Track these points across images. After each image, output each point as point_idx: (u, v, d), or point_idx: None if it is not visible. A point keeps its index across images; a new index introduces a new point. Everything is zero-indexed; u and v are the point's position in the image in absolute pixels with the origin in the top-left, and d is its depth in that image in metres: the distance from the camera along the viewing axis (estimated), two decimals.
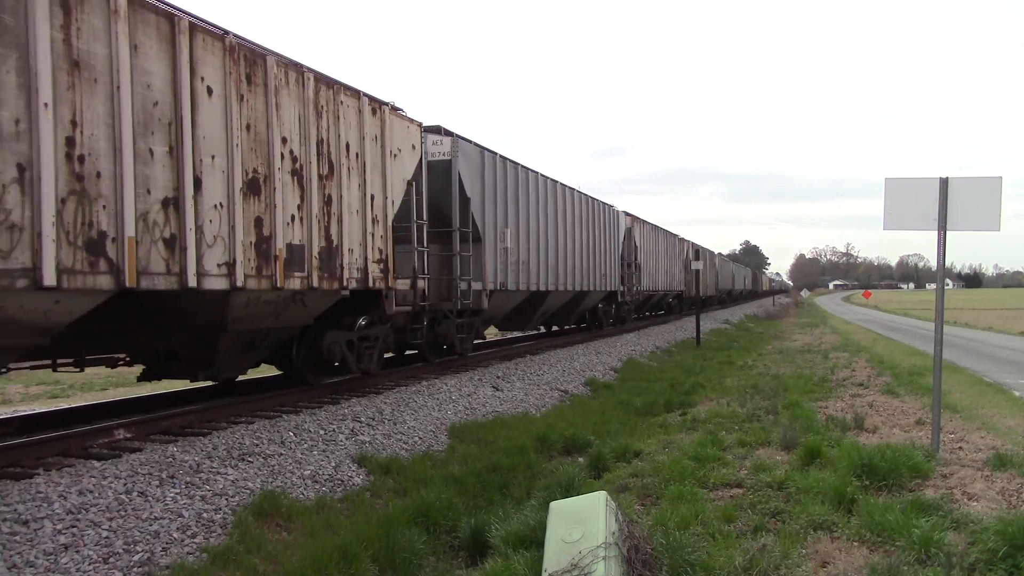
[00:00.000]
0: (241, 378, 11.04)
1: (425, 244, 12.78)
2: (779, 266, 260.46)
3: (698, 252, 37.21)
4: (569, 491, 6.86)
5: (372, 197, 10.98)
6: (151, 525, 5.84)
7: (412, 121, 12.38)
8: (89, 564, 5.18)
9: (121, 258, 6.85)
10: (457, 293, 14.10)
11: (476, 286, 14.75)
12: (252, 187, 8.55)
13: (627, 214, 30.01)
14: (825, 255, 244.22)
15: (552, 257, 18.91)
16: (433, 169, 13.57)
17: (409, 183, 12.14)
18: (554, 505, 5.37)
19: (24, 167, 6.04)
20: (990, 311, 57.02)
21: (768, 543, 5.49)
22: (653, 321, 33.15)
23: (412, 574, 5.96)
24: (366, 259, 10.82)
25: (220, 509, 6.40)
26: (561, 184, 19.94)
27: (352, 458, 8.31)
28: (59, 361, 8.48)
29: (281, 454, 7.89)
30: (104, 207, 6.73)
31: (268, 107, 8.82)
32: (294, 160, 9.28)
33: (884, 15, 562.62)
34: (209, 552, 5.70)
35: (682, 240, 38.80)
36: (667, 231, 36.50)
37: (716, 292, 52.72)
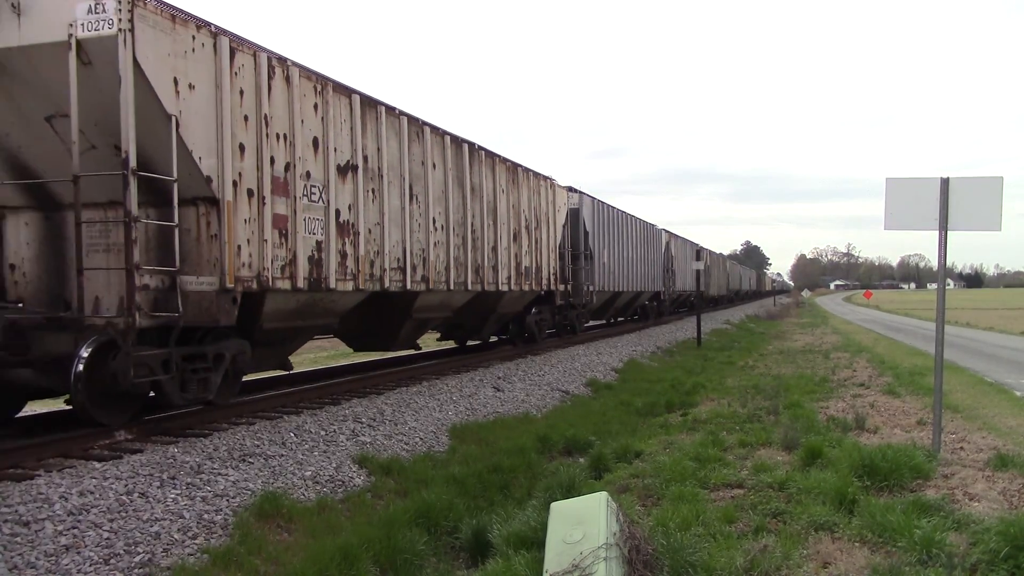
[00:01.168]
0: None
1: (570, 263, 19.94)
2: (780, 266, 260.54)
3: (699, 253, 36.94)
4: (570, 492, 6.85)
5: (549, 236, 18.29)
6: (152, 526, 5.84)
7: (563, 187, 19.89)
8: (90, 565, 5.18)
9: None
10: (583, 291, 21.04)
11: (589, 287, 21.62)
12: (515, 238, 16.10)
13: (666, 231, 33.75)
14: (826, 255, 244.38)
15: (625, 266, 25.71)
16: (570, 214, 20.34)
17: (563, 226, 19.59)
18: (555, 506, 5.36)
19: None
20: (991, 311, 57.00)
21: (769, 544, 5.48)
22: (638, 326, 33.02)
23: (413, 575, 5.96)
24: (550, 272, 18.14)
25: (221, 510, 6.40)
26: (627, 214, 26.79)
27: (353, 459, 8.31)
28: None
29: (282, 455, 7.89)
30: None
31: (519, 194, 16.42)
32: (526, 220, 16.79)
33: (884, 15, 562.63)
34: (210, 553, 5.70)
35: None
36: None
37: (727, 292, 59.69)
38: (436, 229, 12.89)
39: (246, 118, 8.61)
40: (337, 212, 10.11)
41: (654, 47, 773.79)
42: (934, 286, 10.65)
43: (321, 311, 10.44)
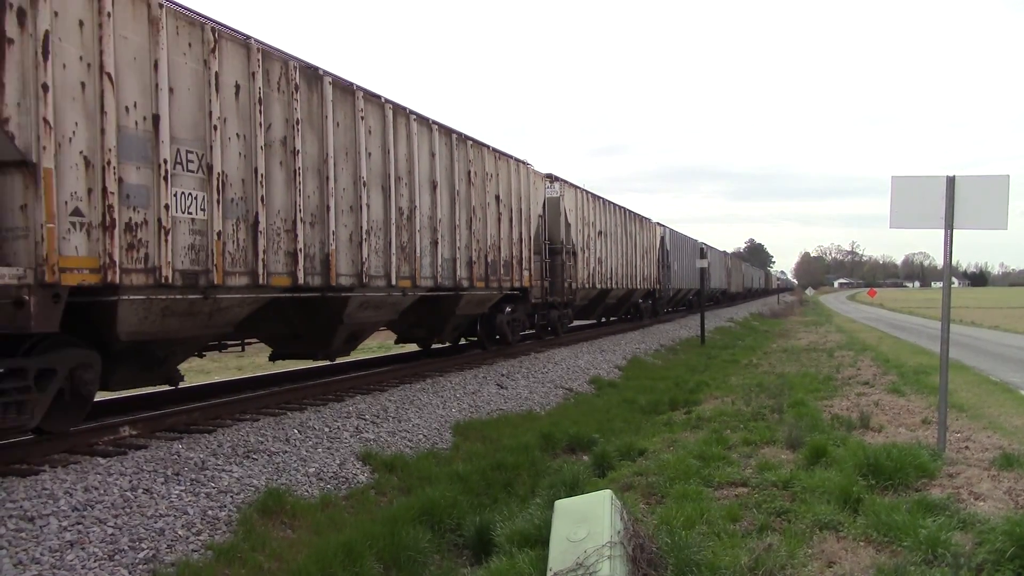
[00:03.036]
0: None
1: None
2: (783, 264, 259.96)
3: (703, 251, 36.81)
4: (574, 490, 6.85)
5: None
6: (156, 522, 5.84)
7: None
8: (95, 561, 5.18)
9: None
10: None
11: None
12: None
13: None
14: (830, 253, 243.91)
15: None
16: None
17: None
18: (559, 504, 5.36)
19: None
20: (996, 310, 56.85)
21: (774, 542, 5.47)
22: (634, 325, 33.02)
23: (416, 572, 5.96)
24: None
25: (225, 506, 6.41)
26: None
27: (357, 456, 8.31)
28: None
29: (286, 451, 7.89)
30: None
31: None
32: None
33: (888, 12, 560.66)
34: (214, 549, 5.70)
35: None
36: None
37: (743, 290, 67.60)
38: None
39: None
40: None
41: (655, 44, 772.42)
42: (939, 284, 10.60)
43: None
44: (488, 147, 14.90)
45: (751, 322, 41.49)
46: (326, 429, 8.85)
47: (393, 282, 11.35)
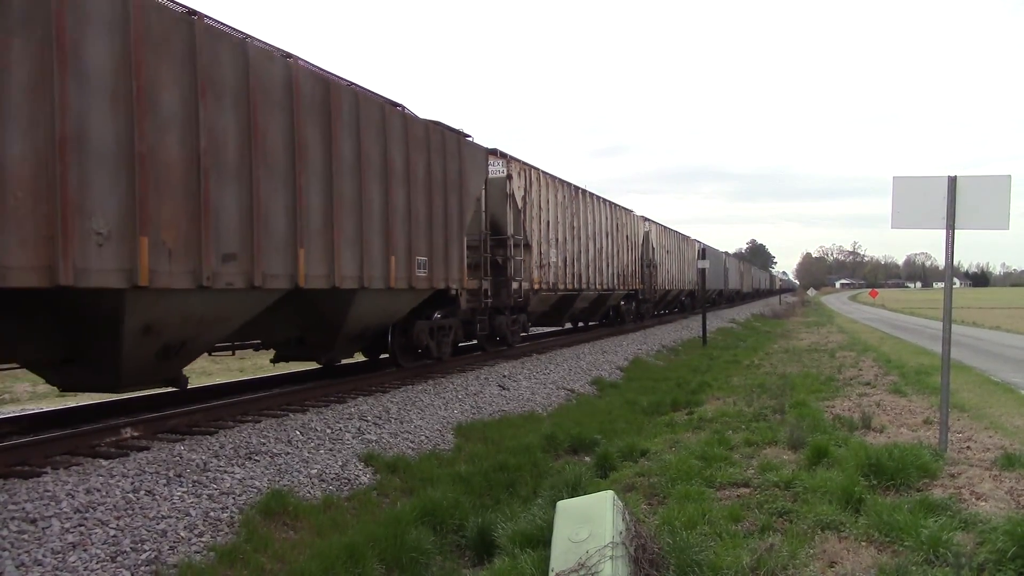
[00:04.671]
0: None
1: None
2: (785, 265, 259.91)
3: (704, 251, 36.52)
4: (576, 490, 6.85)
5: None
6: (158, 524, 5.85)
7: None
8: (97, 563, 5.19)
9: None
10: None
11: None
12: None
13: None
14: (832, 254, 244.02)
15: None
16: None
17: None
18: (561, 504, 5.36)
19: None
20: (998, 310, 56.81)
21: (775, 543, 5.47)
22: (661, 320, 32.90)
23: (419, 573, 5.96)
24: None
25: (227, 508, 6.41)
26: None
27: (359, 457, 8.31)
28: None
29: (288, 453, 7.90)
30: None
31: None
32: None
33: (890, 12, 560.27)
34: (216, 551, 5.71)
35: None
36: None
37: (751, 290, 73.77)
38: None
39: None
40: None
41: (655, 45, 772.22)
42: (940, 285, 10.59)
43: None
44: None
45: (753, 323, 41.46)
46: (328, 430, 8.85)
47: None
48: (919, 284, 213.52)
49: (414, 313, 12.63)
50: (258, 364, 18.31)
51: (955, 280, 8.91)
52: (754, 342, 27.49)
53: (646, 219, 30.09)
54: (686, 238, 39.64)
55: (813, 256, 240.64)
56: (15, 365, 7.71)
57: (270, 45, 8.99)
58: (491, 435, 10.08)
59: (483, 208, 15.05)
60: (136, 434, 7.95)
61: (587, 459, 9.05)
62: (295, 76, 8.97)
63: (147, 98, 6.96)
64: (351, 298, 10.37)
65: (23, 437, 7.76)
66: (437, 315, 13.49)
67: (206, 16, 7.78)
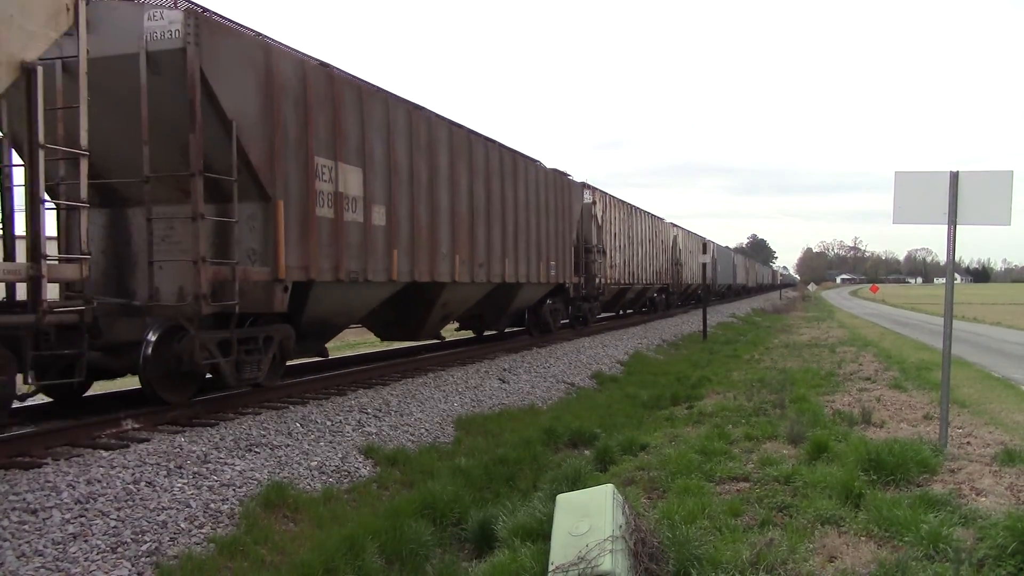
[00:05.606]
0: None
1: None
2: (786, 260, 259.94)
3: (705, 246, 36.59)
4: (575, 484, 6.85)
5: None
6: (159, 515, 5.86)
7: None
8: (97, 554, 5.20)
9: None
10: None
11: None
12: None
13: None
14: (832, 249, 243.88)
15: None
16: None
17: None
18: (561, 498, 5.36)
19: None
20: (999, 306, 56.78)
21: (775, 537, 5.47)
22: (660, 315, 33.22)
23: (419, 566, 5.97)
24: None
25: (227, 500, 6.42)
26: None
27: (359, 449, 8.32)
28: None
29: (288, 445, 7.91)
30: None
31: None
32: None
33: (892, 7, 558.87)
34: (216, 542, 5.72)
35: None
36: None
37: (755, 285, 79.34)
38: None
39: None
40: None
41: (657, 39, 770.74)
42: (941, 280, 10.60)
43: None
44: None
45: (753, 317, 41.46)
46: (328, 423, 8.86)
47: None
48: (920, 280, 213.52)
49: (542, 299, 18.50)
50: None
51: (956, 276, 8.91)
52: (754, 337, 27.49)
53: (675, 225, 36.24)
54: (705, 240, 42.41)
55: (814, 251, 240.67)
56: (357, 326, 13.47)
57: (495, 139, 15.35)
58: (491, 428, 10.09)
59: (580, 226, 20.60)
60: (137, 425, 7.95)
61: (587, 453, 9.05)
62: (497, 155, 15.17)
63: (457, 183, 13.29)
64: (518, 289, 16.35)
65: (24, 428, 7.77)
66: (549, 301, 19.01)
67: (475, 131, 14.42)
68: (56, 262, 7.32)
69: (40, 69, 6.71)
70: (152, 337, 8.14)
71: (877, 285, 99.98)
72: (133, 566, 5.21)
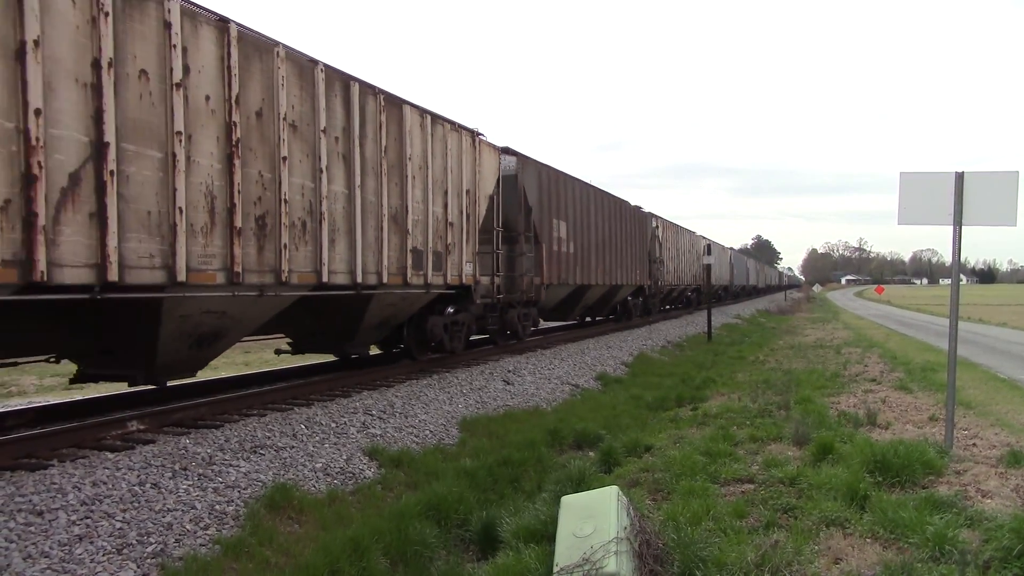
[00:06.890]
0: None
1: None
2: (790, 261, 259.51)
3: (709, 247, 36.48)
4: (580, 485, 6.85)
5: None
6: (164, 517, 5.87)
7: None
8: (103, 555, 5.21)
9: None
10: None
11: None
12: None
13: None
14: (837, 250, 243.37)
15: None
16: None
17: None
18: (565, 499, 5.36)
19: None
20: (1004, 307, 56.60)
21: (780, 539, 5.46)
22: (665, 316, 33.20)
23: (423, 567, 5.97)
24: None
25: (232, 501, 6.43)
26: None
27: (363, 451, 8.33)
28: None
29: (293, 447, 7.92)
30: None
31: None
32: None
33: (897, 7, 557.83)
34: (222, 544, 5.73)
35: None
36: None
37: (765, 286, 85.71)
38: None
39: None
40: None
41: (660, 40, 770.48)
42: (947, 281, 10.56)
43: None
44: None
45: (758, 318, 41.38)
46: (333, 424, 8.87)
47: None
48: (925, 280, 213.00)
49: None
50: (263, 359, 18.35)
51: (961, 277, 8.87)
52: (759, 338, 27.44)
53: (704, 237, 40.38)
54: (723, 248, 48.22)
55: (819, 252, 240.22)
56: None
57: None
58: (495, 430, 10.08)
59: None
60: (142, 427, 7.98)
61: (591, 454, 9.05)
62: (610, 201, 23.17)
63: (597, 224, 22.03)
64: (619, 289, 23.61)
65: (30, 430, 7.79)
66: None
67: (599, 188, 21.91)
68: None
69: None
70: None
71: (882, 286, 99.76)
72: (139, 567, 5.22)
